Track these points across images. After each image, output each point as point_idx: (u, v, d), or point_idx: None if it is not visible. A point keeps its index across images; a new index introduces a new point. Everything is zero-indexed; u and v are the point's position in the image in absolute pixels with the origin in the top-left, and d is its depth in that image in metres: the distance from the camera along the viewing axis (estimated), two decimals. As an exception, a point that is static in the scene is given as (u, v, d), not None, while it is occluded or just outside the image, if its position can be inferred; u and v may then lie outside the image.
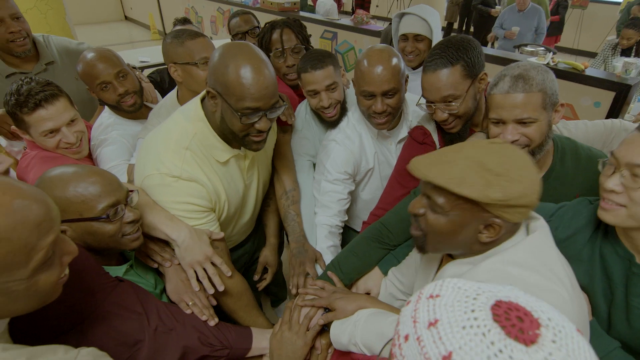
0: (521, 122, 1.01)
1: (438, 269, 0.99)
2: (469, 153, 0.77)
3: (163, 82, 2.06)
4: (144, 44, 8.62)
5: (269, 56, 1.67)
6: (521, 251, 0.79)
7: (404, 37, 1.84)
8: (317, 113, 1.53)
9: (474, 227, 0.79)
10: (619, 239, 0.92)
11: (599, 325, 0.94)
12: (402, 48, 1.86)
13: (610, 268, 0.93)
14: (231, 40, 2.19)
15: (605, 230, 0.96)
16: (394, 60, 1.30)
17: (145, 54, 4.76)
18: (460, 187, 0.73)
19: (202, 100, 1.17)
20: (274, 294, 2.38)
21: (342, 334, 1.05)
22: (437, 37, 1.79)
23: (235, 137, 1.12)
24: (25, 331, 0.79)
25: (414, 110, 1.48)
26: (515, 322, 0.43)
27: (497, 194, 0.72)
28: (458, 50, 1.14)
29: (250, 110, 1.04)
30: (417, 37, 1.80)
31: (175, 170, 1.11)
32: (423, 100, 1.24)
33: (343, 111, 1.51)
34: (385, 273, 1.28)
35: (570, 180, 1.14)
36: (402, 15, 1.86)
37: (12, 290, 0.65)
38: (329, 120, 1.50)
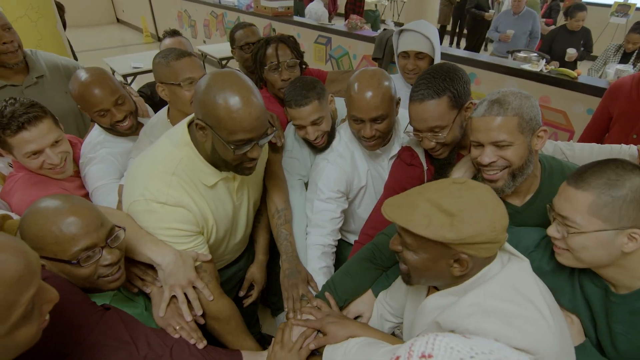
0: (497, 145, 1.04)
1: (427, 294, 1.01)
2: (430, 195, 0.84)
3: (154, 96, 2.04)
4: (136, 47, 8.55)
5: (263, 70, 1.67)
6: (499, 284, 0.84)
7: (405, 55, 1.80)
8: (306, 141, 1.53)
9: (445, 262, 0.85)
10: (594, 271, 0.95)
11: (591, 346, 0.96)
12: (403, 65, 1.82)
13: (590, 297, 0.96)
14: (236, 50, 2.17)
15: None
16: (384, 85, 1.29)
17: (138, 59, 4.72)
18: (418, 229, 0.80)
19: (189, 124, 1.16)
20: (273, 303, 2.37)
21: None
22: (438, 55, 1.77)
23: (228, 164, 1.11)
24: None
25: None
26: None
27: (452, 235, 0.78)
28: (444, 80, 1.15)
29: (243, 142, 1.04)
30: (419, 55, 1.77)
31: (161, 196, 1.10)
32: (410, 128, 1.25)
33: (331, 134, 1.51)
34: (376, 295, 1.28)
35: None
36: (401, 31, 1.83)
37: None
38: (318, 147, 1.50)
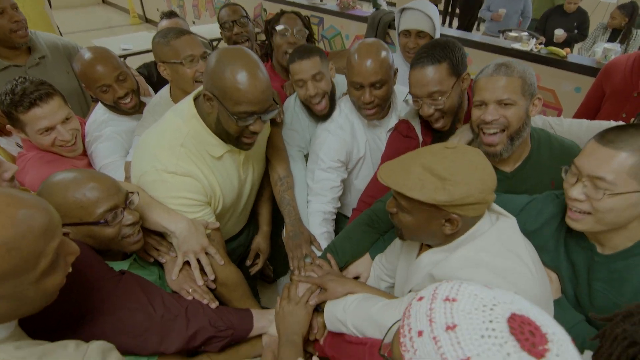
0: (501, 104, 1.11)
1: (417, 255, 1.09)
2: (423, 160, 0.89)
3: (152, 77, 2.06)
4: (123, 29, 8.35)
5: (272, 35, 1.79)
6: (489, 239, 0.90)
7: (406, 33, 1.83)
8: (307, 108, 1.58)
9: (437, 222, 0.91)
10: (582, 233, 1.01)
11: (567, 301, 1.05)
12: (404, 44, 1.85)
13: (573, 257, 1.03)
14: (220, 31, 2.20)
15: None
16: (383, 54, 1.35)
17: (126, 40, 4.64)
18: (412, 192, 0.86)
19: (195, 98, 1.21)
20: (274, 270, 2.46)
21: (333, 315, 1.14)
22: (438, 34, 1.80)
23: (229, 136, 1.17)
24: (35, 326, 0.83)
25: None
26: (528, 336, 0.47)
27: (443, 197, 0.84)
28: (444, 49, 1.22)
29: (247, 114, 1.09)
30: (420, 34, 1.80)
31: (171, 166, 1.15)
32: (410, 97, 1.31)
33: (332, 105, 1.56)
34: (373, 258, 1.38)
35: (546, 168, 1.23)
36: (403, 9, 1.85)
37: (22, 293, 0.69)
38: (319, 114, 1.55)
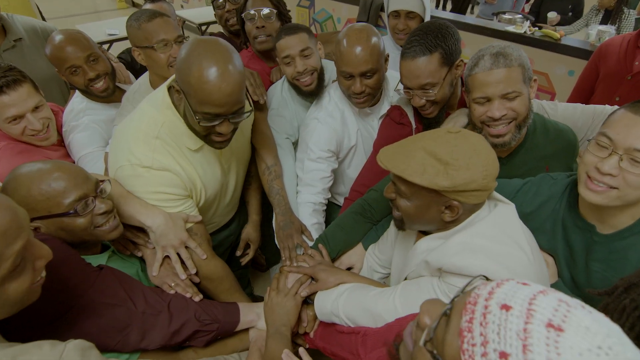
0: (506, 97, 1.05)
1: (415, 242, 1.05)
2: (425, 144, 0.85)
3: (135, 63, 1.98)
4: (109, 14, 8.12)
5: (244, 22, 1.67)
6: (486, 225, 0.88)
7: (396, 14, 1.77)
8: (295, 88, 1.52)
9: (437, 209, 0.88)
10: (579, 213, 0.99)
11: (564, 285, 1.04)
12: (393, 26, 1.80)
13: (571, 238, 1.01)
14: (214, 11, 2.12)
15: (566, 206, 1.02)
16: (373, 40, 1.29)
17: (113, 25, 4.50)
18: (413, 177, 0.83)
19: (170, 87, 1.15)
20: (267, 259, 2.44)
21: (325, 305, 1.12)
22: (428, 15, 1.75)
23: (198, 134, 1.11)
24: (9, 327, 0.80)
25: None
26: None
27: (445, 182, 0.81)
28: (436, 37, 1.15)
29: (211, 116, 1.02)
30: (410, 15, 1.74)
31: (146, 160, 1.10)
32: (401, 86, 1.26)
33: (320, 82, 1.51)
34: (366, 249, 1.34)
35: (541, 152, 1.20)
36: None
37: None
38: (307, 90, 1.49)
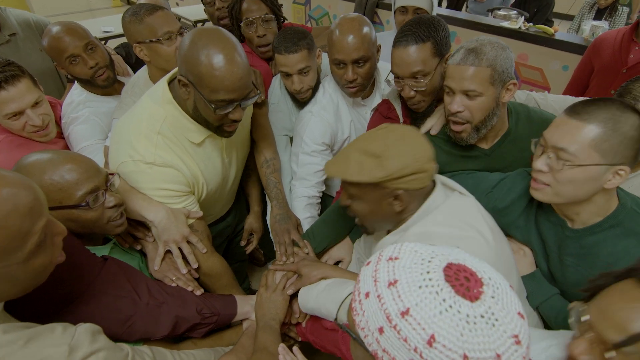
0: (466, 94, 1.07)
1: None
2: (359, 145, 0.92)
3: (130, 57, 1.98)
4: (104, 12, 8.07)
5: (239, 27, 1.64)
6: (442, 213, 0.93)
7: (403, 10, 1.76)
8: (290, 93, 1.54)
9: (386, 201, 0.93)
10: (552, 208, 1.02)
11: (542, 275, 1.07)
12: (401, 21, 1.77)
13: (544, 233, 1.04)
14: (204, 8, 2.11)
15: (539, 201, 1.04)
16: (365, 29, 1.31)
17: (108, 23, 4.47)
18: (353, 176, 0.89)
19: (170, 82, 1.14)
20: (265, 254, 2.46)
21: (308, 300, 1.14)
22: (435, 12, 1.74)
23: (209, 125, 1.11)
24: (23, 311, 0.81)
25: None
26: (463, 281, 0.50)
27: (381, 173, 0.86)
28: (429, 28, 1.17)
29: (225, 102, 1.02)
30: (417, 11, 1.73)
31: (148, 156, 1.10)
32: (392, 77, 1.27)
33: (315, 91, 1.53)
34: (353, 241, 1.37)
35: (525, 143, 1.20)
36: None
37: (10, 274, 0.67)
38: (301, 101, 1.53)
